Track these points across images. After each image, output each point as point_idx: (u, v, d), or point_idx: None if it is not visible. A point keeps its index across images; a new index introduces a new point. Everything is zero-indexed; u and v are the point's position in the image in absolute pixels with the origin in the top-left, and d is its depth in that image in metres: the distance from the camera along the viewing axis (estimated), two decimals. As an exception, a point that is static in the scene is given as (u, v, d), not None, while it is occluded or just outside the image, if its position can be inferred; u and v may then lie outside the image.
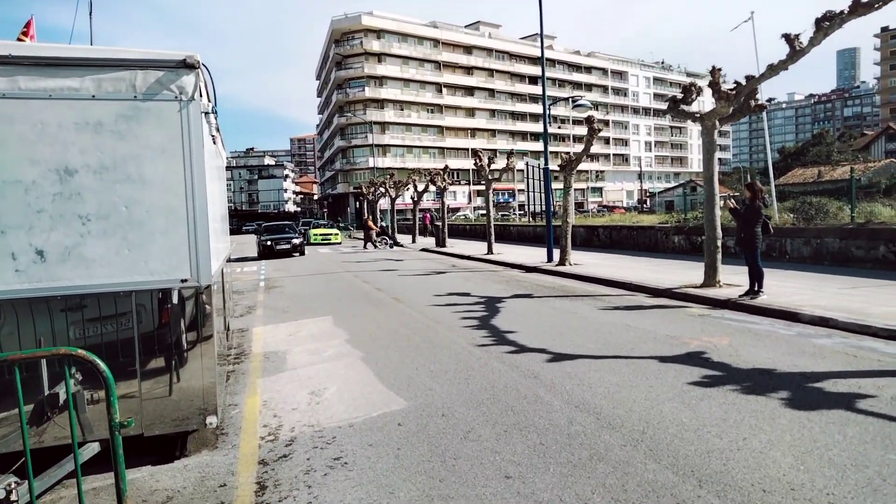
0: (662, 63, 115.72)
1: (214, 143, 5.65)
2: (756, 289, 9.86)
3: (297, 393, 5.86)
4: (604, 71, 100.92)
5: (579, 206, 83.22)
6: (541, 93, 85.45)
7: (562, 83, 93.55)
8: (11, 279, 4.07)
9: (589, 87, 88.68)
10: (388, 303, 11.44)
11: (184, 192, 4.41)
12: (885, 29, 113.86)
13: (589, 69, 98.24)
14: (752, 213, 9.78)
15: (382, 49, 77.59)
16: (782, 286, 10.44)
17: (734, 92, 10.54)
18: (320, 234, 37.41)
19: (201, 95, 4.49)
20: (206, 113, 4.71)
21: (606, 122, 19.78)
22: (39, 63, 4.10)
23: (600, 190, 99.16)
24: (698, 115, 11.28)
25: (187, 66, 4.36)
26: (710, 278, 11.21)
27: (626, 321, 8.65)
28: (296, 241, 26.45)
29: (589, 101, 18.39)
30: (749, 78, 10.74)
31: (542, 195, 42.50)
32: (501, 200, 75.08)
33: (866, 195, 30.30)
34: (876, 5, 8.11)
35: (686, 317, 8.92)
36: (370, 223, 31.57)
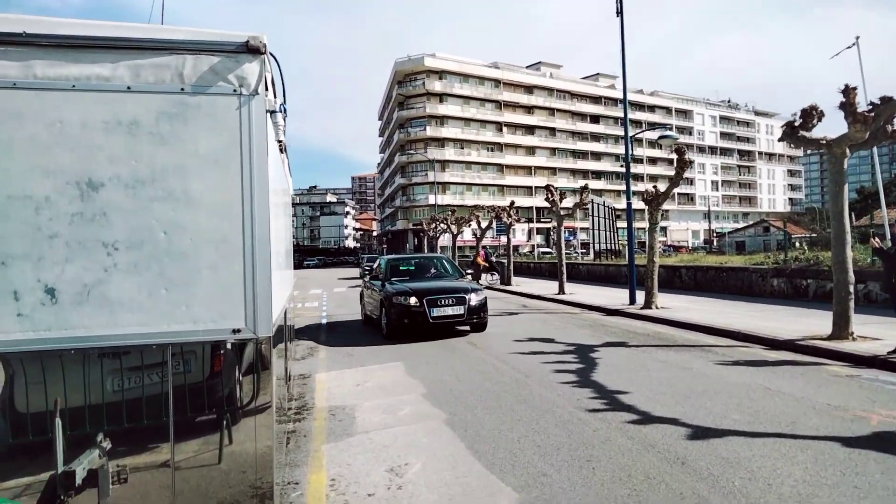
0: (729, 101, 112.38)
1: (282, 151, 4.63)
2: (910, 345, 8.14)
3: (373, 469, 4.65)
4: (668, 110, 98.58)
5: (641, 245, 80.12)
6: (603, 131, 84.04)
7: (623, 122, 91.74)
8: (12, 326, 3.04)
9: (653, 125, 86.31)
10: (462, 347, 10.18)
11: (241, 216, 3.35)
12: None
13: (653, 108, 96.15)
14: (904, 253, 8.14)
15: (444, 89, 78.06)
16: (938, 341, 8.64)
17: (872, 114, 8.99)
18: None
19: (267, 89, 3.45)
20: (273, 112, 3.66)
21: (688, 161, 18.43)
22: (62, 44, 3.14)
23: (664, 229, 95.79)
24: (824, 142, 9.73)
25: (251, 50, 3.33)
26: (842, 330, 9.49)
27: (759, 382, 7.10)
28: (473, 298, 11.80)
29: (674, 133, 16.96)
30: (886, 99, 9.17)
31: (609, 233, 40.83)
32: (565, 238, 73.18)
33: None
34: None
35: (832, 378, 7.29)
36: (480, 259, 30.24)
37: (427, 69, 77.15)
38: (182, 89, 3.27)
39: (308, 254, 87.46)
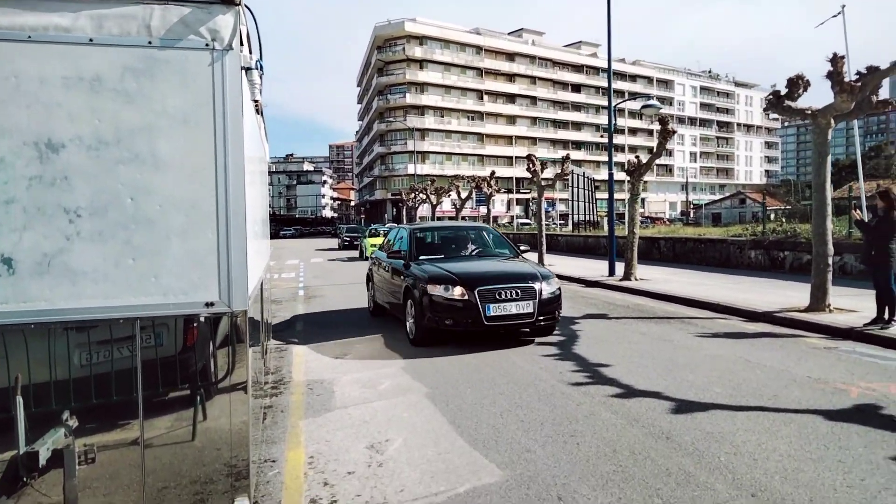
0: (710, 72, 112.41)
1: (258, 112, 4.38)
2: (888, 317, 8.22)
3: (353, 446, 4.53)
4: (649, 80, 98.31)
5: (620, 216, 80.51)
6: (584, 101, 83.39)
7: (605, 91, 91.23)
8: (-36, 298, 2.84)
9: (634, 95, 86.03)
10: (443, 320, 10.08)
11: (213, 180, 3.14)
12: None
13: (634, 78, 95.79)
14: (886, 226, 8.15)
15: (424, 55, 76.77)
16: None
17: (859, 84, 8.92)
18: (378, 244, 26.03)
19: (242, 44, 3.21)
20: (249, 69, 3.42)
21: (671, 131, 18.43)
22: (14, -11, 2.88)
23: (643, 201, 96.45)
24: (810, 112, 9.67)
25: (224, 1, 3.09)
26: (819, 301, 9.57)
27: (739, 354, 7.12)
28: (544, 288, 8.23)
29: (657, 103, 16.82)
30: (872, 69, 9.11)
31: (588, 205, 40.85)
32: (544, 209, 73.21)
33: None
34: None
35: (810, 350, 7.34)
36: None
37: (407, 34, 75.70)
38: (149, 42, 3.02)
39: (284, 224, 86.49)
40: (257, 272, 4.38)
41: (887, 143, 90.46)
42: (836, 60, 9.11)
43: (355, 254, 32.02)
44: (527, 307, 7.73)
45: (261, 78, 3.80)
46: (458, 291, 7.66)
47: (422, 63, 77.02)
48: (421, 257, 9.06)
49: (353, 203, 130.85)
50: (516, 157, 79.45)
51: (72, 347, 3.18)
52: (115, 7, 2.98)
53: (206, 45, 3.08)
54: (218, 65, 3.09)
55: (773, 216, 27.66)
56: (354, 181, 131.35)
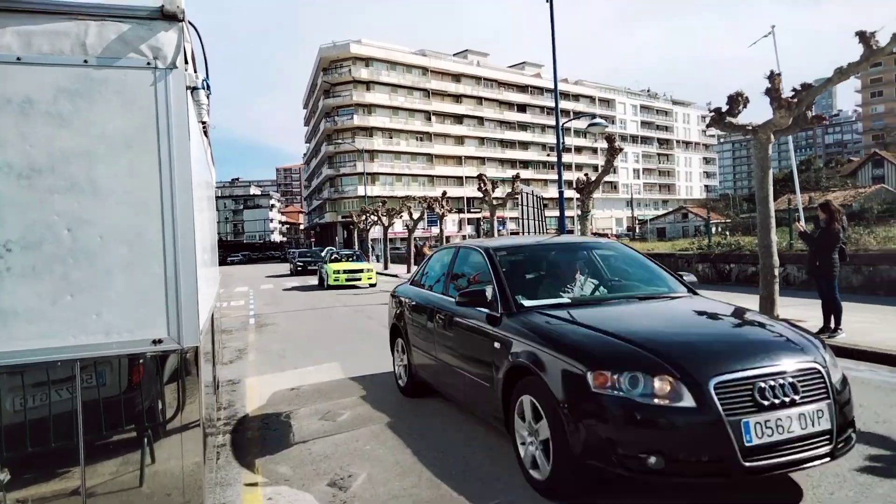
0: (648, 91, 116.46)
1: (206, 135, 4.16)
2: (833, 326, 8.47)
3: (313, 484, 4.29)
4: (591, 99, 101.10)
5: (569, 233, 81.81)
6: (530, 120, 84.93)
7: (549, 111, 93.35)
8: None
9: (577, 114, 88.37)
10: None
11: (160, 208, 2.92)
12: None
13: (577, 97, 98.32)
14: (829, 237, 8.43)
15: (371, 77, 76.92)
16: (852, 321, 8.99)
17: (796, 100, 9.28)
18: (345, 272, 23.32)
19: (186, 62, 3.03)
20: (194, 89, 3.23)
21: (618, 149, 18.82)
22: (-69, 4, 2.63)
23: (589, 217, 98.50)
24: (751, 128, 9.99)
25: (166, 16, 2.90)
26: (769, 312, 9.79)
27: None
28: (834, 376, 6.08)
29: (603, 121, 17.19)
30: (806, 86, 9.51)
31: (538, 223, 41.40)
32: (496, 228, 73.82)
33: (862, 220, 29.46)
34: None
35: (766, 361, 7.45)
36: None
37: (353, 56, 75.75)
38: (85, 61, 2.80)
39: (232, 249, 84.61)
40: (208, 303, 4.14)
41: (816, 156, 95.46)
42: (774, 78, 9.46)
43: (312, 280, 29.59)
44: (818, 416, 3.40)
45: (208, 98, 3.60)
46: (667, 386, 3.37)
47: (368, 84, 77.12)
48: (523, 301, 4.71)
49: (302, 226, 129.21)
50: (466, 177, 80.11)
51: (3, 392, 2.90)
52: (45, 23, 2.76)
53: (148, 63, 2.88)
54: (161, 84, 2.90)
55: (715, 230, 28.62)
56: (303, 204, 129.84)
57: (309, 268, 35.94)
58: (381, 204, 39.00)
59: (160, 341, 2.94)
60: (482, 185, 22.04)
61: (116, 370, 3.12)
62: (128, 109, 2.86)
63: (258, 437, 5.42)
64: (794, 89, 9.55)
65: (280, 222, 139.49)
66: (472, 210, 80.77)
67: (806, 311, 10.03)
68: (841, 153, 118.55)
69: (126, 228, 2.87)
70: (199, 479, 3.23)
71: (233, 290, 24.85)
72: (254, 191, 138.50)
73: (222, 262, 69.07)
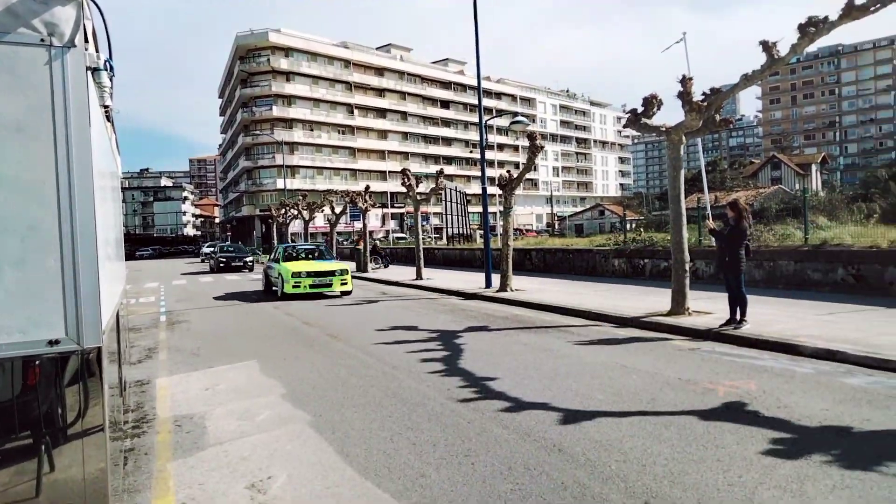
0: (568, 92, 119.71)
1: (109, 121, 3.86)
2: (739, 318, 8.96)
3: (231, 487, 4.10)
4: (513, 97, 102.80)
5: (491, 229, 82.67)
6: (453, 117, 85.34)
7: (472, 108, 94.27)
8: None
9: (499, 112, 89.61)
10: (323, 341, 9.67)
11: (56, 198, 2.68)
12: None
13: (499, 95, 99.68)
14: (738, 233, 8.91)
15: (291, 68, 74.92)
16: (754, 313, 9.55)
17: (705, 103, 9.75)
18: (310, 275, 16.34)
19: (87, 42, 2.79)
20: (96, 70, 2.98)
21: (539, 146, 19.06)
22: None
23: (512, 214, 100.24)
24: (664, 129, 10.42)
25: (63, -11, 2.65)
26: (680, 305, 10.28)
27: (615, 360, 7.42)
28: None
29: (525, 119, 17.48)
30: (715, 90, 10.01)
31: (461, 218, 41.73)
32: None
33: (762, 218, 31.53)
34: (872, 8, 7.47)
35: (677, 352, 7.82)
36: (361, 243, 28.00)
37: (272, 45, 73.50)
38: (-33, 35, 2.51)
39: (140, 243, 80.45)
40: (112, 301, 3.86)
41: (721, 158, 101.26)
42: (686, 82, 9.90)
43: (253, 283, 21.87)
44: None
45: (111, 80, 3.34)
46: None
47: (288, 75, 75.11)
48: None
49: (217, 220, 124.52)
50: (390, 172, 79.64)
51: None
52: (-79, -11, 2.46)
53: (42, 40, 2.63)
54: (57, 64, 2.65)
55: (630, 226, 29.78)
56: (219, 197, 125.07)
57: (233, 264, 32.21)
58: (301, 198, 38.12)
59: (57, 342, 2.71)
60: (406, 179, 21.95)
61: (9, 373, 2.85)
62: (19, 90, 2.60)
63: (170, 440, 5.14)
64: (703, 93, 10.02)
65: (194, 215, 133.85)
66: (395, 205, 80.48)
67: (714, 304, 10.58)
68: (743, 155, 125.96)
69: (16, 220, 2.62)
70: (103, 487, 3.03)
71: (142, 287, 23.60)
72: (165, 182, 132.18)
73: (130, 257, 65.66)
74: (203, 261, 43.58)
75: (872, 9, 7.55)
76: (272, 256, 19.29)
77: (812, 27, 8.22)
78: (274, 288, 17.40)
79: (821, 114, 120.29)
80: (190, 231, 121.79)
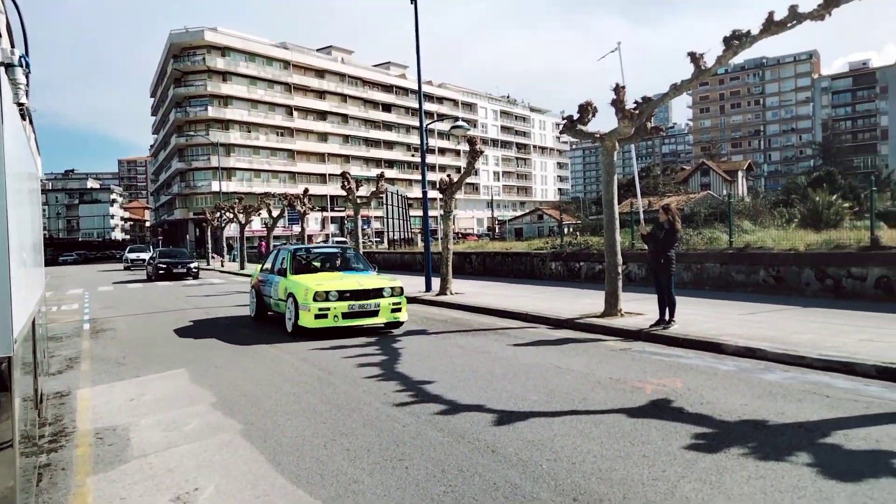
0: (508, 97, 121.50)
1: (24, 118, 3.65)
2: (668, 318, 9.30)
3: (154, 501, 3.95)
4: (455, 102, 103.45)
5: (433, 233, 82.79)
6: (395, 120, 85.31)
7: (415, 112, 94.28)
8: None
9: (441, 116, 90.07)
10: (256, 347, 9.45)
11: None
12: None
13: (441, 100, 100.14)
14: (672, 236, 9.24)
15: (228, 67, 73.06)
16: (682, 313, 9.93)
17: (637, 111, 10.09)
18: (344, 297, 10.11)
19: (0, 37, 2.64)
20: (9, 66, 2.82)
21: (479, 151, 19.24)
22: None
23: (453, 217, 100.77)
24: (599, 136, 10.72)
25: (-34, -22, 2.51)
26: (612, 307, 10.58)
27: (550, 361, 7.57)
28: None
29: (465, 124, 17.64)
30: (646, 99, 10.37)
31: (402, 222, 41.66)
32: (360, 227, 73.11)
33: (691, 222, 32.88)
34: (789, 24, 7.92)
35: (610, 352, 8.05)
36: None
37: (208, 44, 71.51)
38: None
39: (64, 248, 76.72)
40: (27, 308, 3.67)
41: (654, 164, 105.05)
42: (619, 90, 10.22)
43: (215, 298, 19.13)
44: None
45: (27, 77, 3.18)
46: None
47: (225, 75, 73.25)
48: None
49: (148, 224, 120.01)
50: (330, 175, 78.72)
51: None
52: None
53: (-57, 30, 2.48)
54: (-40, 56, 2.50)
55: (567, 230, 30.49)
56: (149, 200, 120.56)
57: (175, 271, 28.00)
58: (237, 201, 37.18)
59: (-42, 353, 2.54)
60: (346, 183, 21.76)
61: None
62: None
63: (90, 454, 4.90)
64: (636, 102, 10.36)
65: (123, 219, 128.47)
66: (335, 209, 79.58)
67: (645, 305, 10.93)
68: (675, 162, 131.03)
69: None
70: (12, 506, 2.87)
71: (65, 294, 22.48)
72: (91, 184, 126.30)
73: (52, 262, 62.53)
74: (127, 268, 40.61)
75: (789, 25, 8.00)
76: (269, 265, 12.64)
77: (736, 40, 8.64)
78: (270, 312, 12.21)
79: (747, 123, 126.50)
80: (118, 235, 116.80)
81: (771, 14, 8.25)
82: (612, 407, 5.49)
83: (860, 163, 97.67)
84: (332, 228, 77.04)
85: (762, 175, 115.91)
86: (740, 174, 76.09)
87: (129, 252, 44.47)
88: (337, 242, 33.18)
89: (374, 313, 10.19)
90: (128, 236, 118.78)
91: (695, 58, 9.20)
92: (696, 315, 10.06)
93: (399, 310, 10.41)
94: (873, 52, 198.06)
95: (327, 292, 9.91)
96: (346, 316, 9.95)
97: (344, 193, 22.31)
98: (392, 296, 10.38)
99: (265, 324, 12.00)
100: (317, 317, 9.78)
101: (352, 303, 10.01)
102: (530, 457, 4.33)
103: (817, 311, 10.12)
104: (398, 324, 10.66)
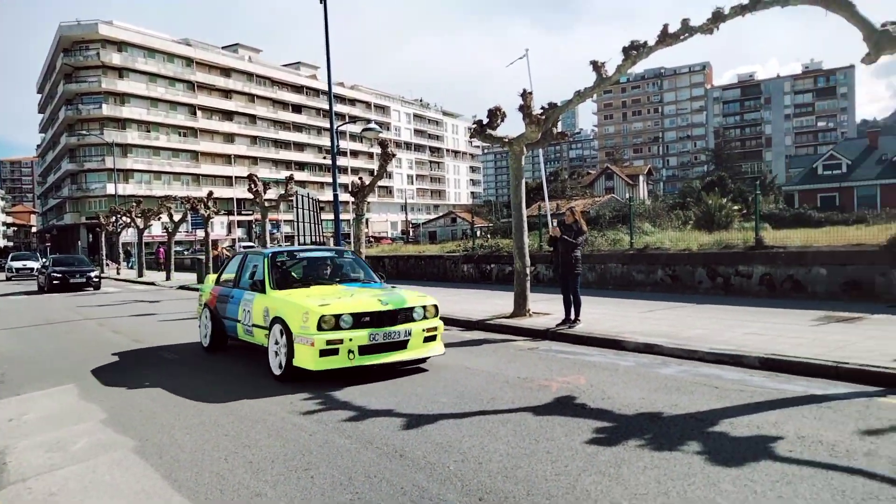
0: (421, 101, 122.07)
1: None
2: (574, 317, 9.60)
3: (32, 530, 3.64)
4: (367, 104, 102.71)
5: (346, 236, 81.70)
6: (306, 122, 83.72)
7: (326, 113, 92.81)
8: None
9: (353, 118, 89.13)
10: (159, 355, 8.94)
11: None
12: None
13: (353, 102, 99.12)
14: (578, 238, 9.54)
15: (125, 63, 69.05)
16: (586, 312, 10.29)
17: (544, 117, 10.38)
18: (362, 323, 6.91)
19: None
20: None
21: (391, 154, 19.03)
22: None
23: (367, 221, 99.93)
24: (507, 140, 10.94)
25: None
26: (521, 308, 10.83)
27: (460, 362, 7.63)
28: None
29: (377, 126, 17.51)
30: (552, 105, 10.69)
31: (314, 226, 40.85)
32: (269, 231, 71.02)
33: (597, 225, 34.33)
34: (682, 37, 8.39)
35: (518, 352, 8.22)
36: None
37: (103, 38, 67.35)
38: None
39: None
40: None
41: (562, 169, 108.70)
42: (526, 96, 10.48)
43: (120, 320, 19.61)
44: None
45: None
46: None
47: (121, 71, 69.23)
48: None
49: (34, 229, 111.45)
50: (236, 177, 76.07)
51: None
52: None
53: None
54: None
55: (479, 233, 30.96)
56: (36, 203, 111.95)
57: (72, 281, 24.76)
58: (135, 204, 35.17)
59: None
60: (253, 185, 21.07)
61: None
62: None
63: (-43, 483, 4.45)
64: (542, 107, 10.66)
65: (5, 224, 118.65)
66: (243, 212, 77.05)
67: (552, 306, 11.25)
68: (582, 166, 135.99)
69: None
70: None
71: None
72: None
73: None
74: (10, 279, 36.05)
75: (682, 37, 8.48)
76: (231, 275, 9.44)
77: (634, 50, 9.06)
78: (248, 339, 8.27)
79: (647, 130, 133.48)
80: (0, 242, 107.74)
81: (665, 26, 8.71)
82: (519, 406, 5.59)
83: (748, 168, 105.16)
84: (239, 233, 74.52)
85: (661, 179, 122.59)
86: (641, 178, 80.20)
87: (11, 260, 39.64)
88: (244, 248, 31.89)
89: (403, 345, 7.05)
90: (11, 243, 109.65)
91: (597, 66, 9.57)
92: (600, 314, 10.46)
93: (433, 338, 7.37)
94: (759, 66, 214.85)
95: (338, 316, 6.71)
96: (364, 351, 6.78)
97: (251, 196, 21.59)
98: (424, 317, 7.35)
99: (162, 335, 11.38)
100: (323, 353, 6.58)
101: (373, 331, 6.81)
102: (438, 459, 4.33)
103: (709, 307, 10.79)
104: (435, 356, 7.50)
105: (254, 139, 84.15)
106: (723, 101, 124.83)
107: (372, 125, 17.20)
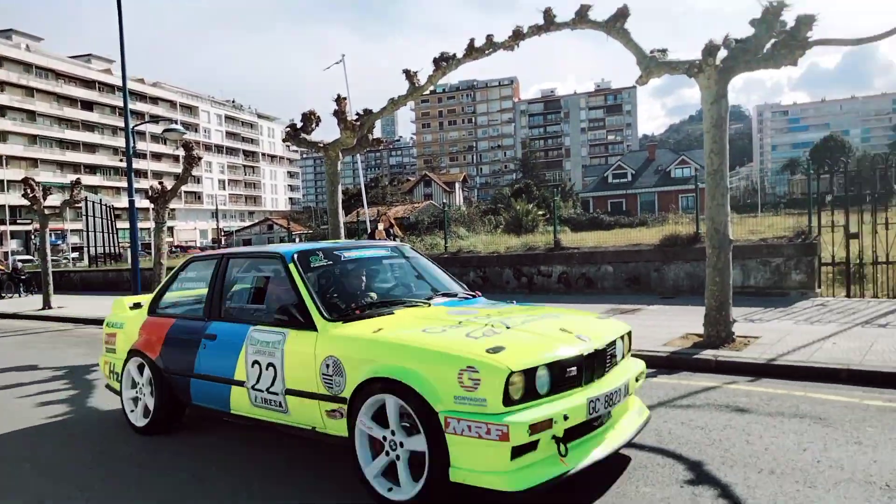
0: (234, 102, 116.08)
1: None
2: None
3: None
4: (172, 104, 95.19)
5: (146, 246, 74.58)
6: (98, 121, 75.60)
7: (122, 111, 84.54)
8: None
9: (156, 118, 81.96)
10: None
11: None
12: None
13: (156, 100, 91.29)
14: (389, 238, 9.57)
15: None
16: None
17: (359, 123, 10.30)
18: (567, 374, 3.29)
19: None
20: None
21: (196, 157, 17.44)
22: None
23: (171, 229, 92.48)
24: (322, 145, 10.70)
25: None
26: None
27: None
28: None
29: (180, 127, 16.21)
30: (367, 111, 10.66)
31: (108, 235, 36.71)
32: (53, 242, 62.67)
33: (415, 230, 35.30)
34: (486, 51, 8.81)
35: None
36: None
37: None
38: None
39: None
40: None
41: (382, 175, 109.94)
42: (340, 101, 10.36)
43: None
44: None
45: None
46: None
47: None
48: None
49: None
50: (10, 182, 66.23)
51: None
52: None
53: None
54: None
55: (298, 240, 30.08)
56: None
57: None
58: None
59: None
60: (29, 191, 18.35)
61: None
62: None
63: None
64: (357, 113, 10.60)
65: None
66: (19, 221, 67.36)
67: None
68: (402, 173, 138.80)
69: None
70: None
71: None
72: None
73: None
74: None
75: (487, 52, 8.92)
76: (210, 297, 4.90)
77: (444, 62, 9.34)
78: (264, 416, 4.26)
79: (462, 139, 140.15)
80: None
81: (472, 41, 9.09)
82: None
83: (551, 176, 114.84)
84: (13, 244, 64.97)
85: (475, 186, 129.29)
86: (457, 185, 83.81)
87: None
88: (20, 261, 27.94)
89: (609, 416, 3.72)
90: None
91: (409, 75, 9.72)
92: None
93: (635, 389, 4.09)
94: (559, 83, 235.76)
95: (530, 371, 3.14)
96: (571, 434, 3.30)
97: (28, 203, 18.80)
98: (625, 354, 4.13)
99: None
100: (518, 451, 3.02)
101: (591, 397, 3.36)
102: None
103: (518, 306, 11.44)
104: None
105: (33, 138, 73.99)
106: (529, 114, 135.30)
107: (175, 125, 15.91)
